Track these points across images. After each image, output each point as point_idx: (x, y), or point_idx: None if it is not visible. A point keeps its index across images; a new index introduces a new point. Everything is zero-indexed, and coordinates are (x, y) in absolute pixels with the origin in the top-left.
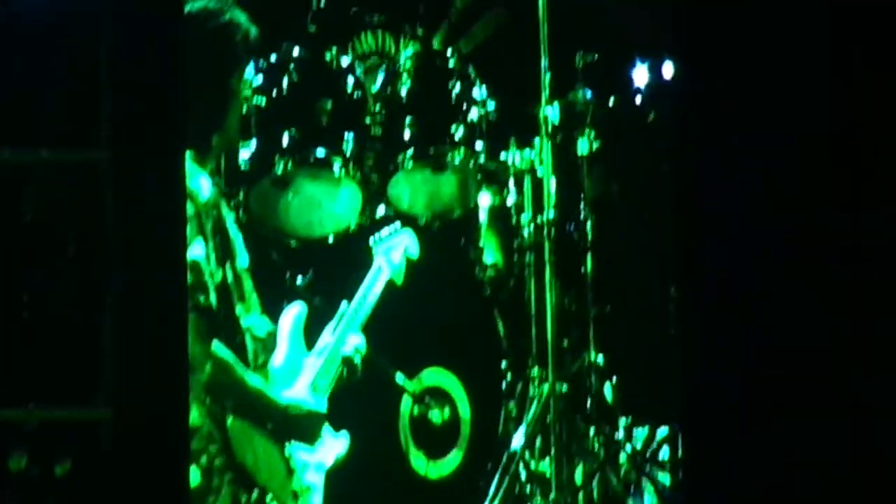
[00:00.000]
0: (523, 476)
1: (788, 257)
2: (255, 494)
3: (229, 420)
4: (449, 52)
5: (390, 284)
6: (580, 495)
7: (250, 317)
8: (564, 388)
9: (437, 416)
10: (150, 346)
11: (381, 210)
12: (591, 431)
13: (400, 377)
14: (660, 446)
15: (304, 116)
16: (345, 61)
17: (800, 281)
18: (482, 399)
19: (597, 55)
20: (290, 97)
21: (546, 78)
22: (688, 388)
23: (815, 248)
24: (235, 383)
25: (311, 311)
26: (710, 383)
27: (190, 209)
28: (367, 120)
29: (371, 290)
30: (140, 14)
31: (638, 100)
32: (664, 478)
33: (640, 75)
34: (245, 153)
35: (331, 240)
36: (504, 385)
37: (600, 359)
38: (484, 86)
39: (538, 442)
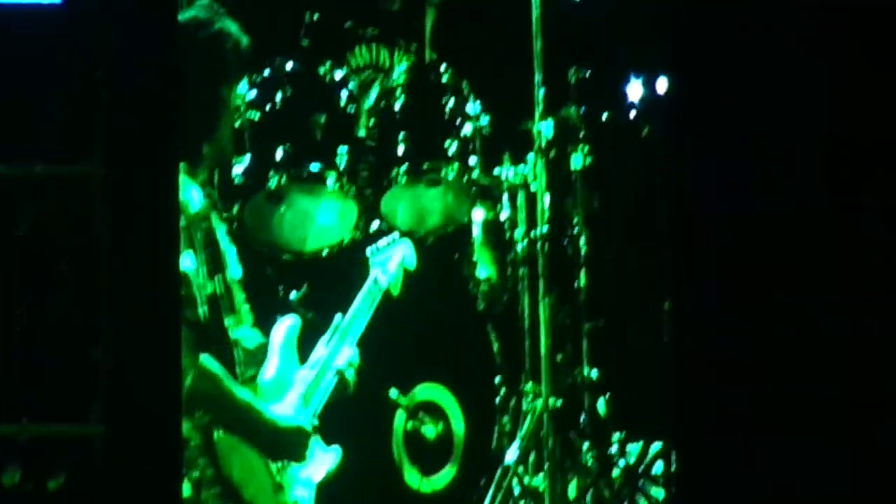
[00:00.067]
0: (517, 491)
1: (783, 272)
2: None
3: (216, 434)
4: (443, 66)
5: (387, 296)
6: None
7: (240, 329)
8: (558, 402)
9: (430, 430)
10: (144, 361)
11: (374, 224)
12: (585, 446)
13: (394, 392)
14: (653, 461)
15: (297, 131)
16: (338, 75)
17: (794, 296)
18: (476, 414)
19: (590, 71)
20: (284, 111)
21: (540, 93)
22: (681, 404)
23: (810, 263)
24: (224, 396)
25: (305, 325)
26: (704, 398)
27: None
28: (362, 134)
29: (367, 301)
30: (134, 31)
31: (632, 114)
32: (658, 493)
33: (635, 90)
34: (239, 168)
35: (325, 254)
36: (497, 400)
37: (594, 373)
38: (478, 101)
39: (532, 457)
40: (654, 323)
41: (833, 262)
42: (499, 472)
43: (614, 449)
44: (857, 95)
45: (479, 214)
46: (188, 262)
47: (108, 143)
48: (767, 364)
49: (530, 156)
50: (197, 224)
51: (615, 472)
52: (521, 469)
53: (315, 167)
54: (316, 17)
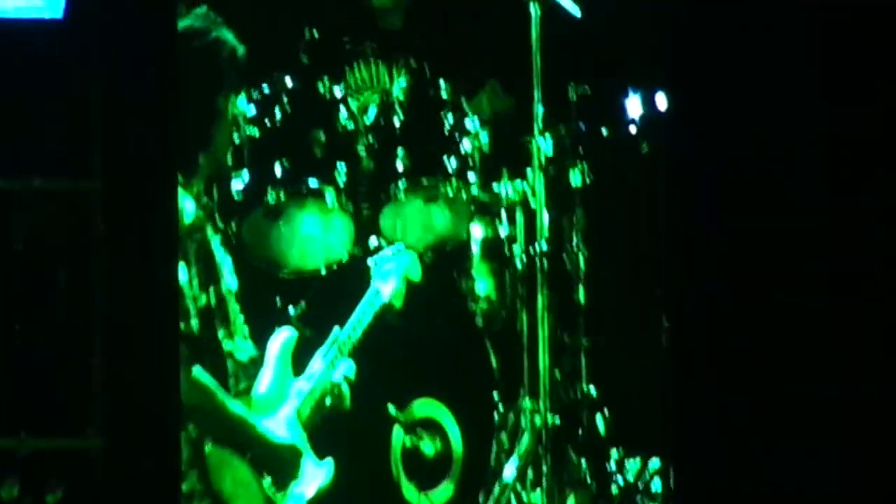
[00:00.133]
0: None
1: (781, 288)
2: None
3: (207, 446)
4: (441, 83)
5: (386, 310)
6: None
7: (234, 341)
8: (557, 419)
9: (428, 447)
10: (141, 375)
11: (373, 241)
12: (583, 463)
13: (391, 408)
14: (651, 478)
15: (296, 147)
16: (338, 92)
17: (793, 313)
18: (474, 430)
19: (589, 87)
20: (283, 128)
21: (538, 109)
22: (679, 421)
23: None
24: (216, 409)
25: (302, 340)
26: (702, 416)
27: None
28: (360, 151)
29: (366, 311)
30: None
31: (632, 130)
32: None
33: (634, 106)
34: (238, 184)
35: (323, 271)
36: (496, 416)
37: (592, 390)
38: (476, 117)
39: (530, 473)
40: (652, 339)
41: (831, 275)
42: (497, 488)
43: (612, 466)
44: (852, 105)
45: (478, 230)
46: (181, 273)
47: (106, 159)
48: (766, 381)
49: (529, 172)
50: (191, 235)
51: (614, 489)
52: (519, 486)
53: (314, 183)
54: (315, 33)
